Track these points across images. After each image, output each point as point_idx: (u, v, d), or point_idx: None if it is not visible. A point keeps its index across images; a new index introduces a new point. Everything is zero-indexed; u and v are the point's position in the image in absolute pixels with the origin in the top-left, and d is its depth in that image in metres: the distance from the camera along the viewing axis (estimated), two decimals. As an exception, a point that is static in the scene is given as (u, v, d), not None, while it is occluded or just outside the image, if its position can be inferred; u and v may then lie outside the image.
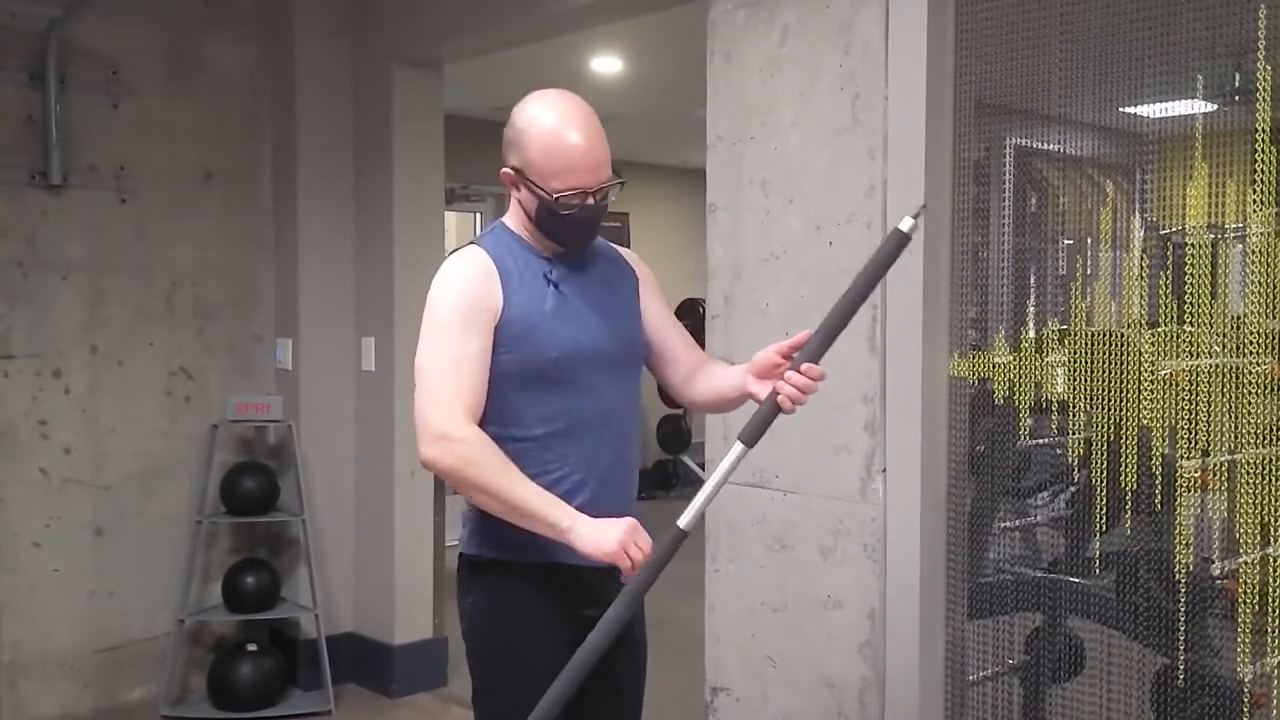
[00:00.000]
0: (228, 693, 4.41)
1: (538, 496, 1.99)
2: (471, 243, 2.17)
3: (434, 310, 2.10)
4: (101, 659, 4.41)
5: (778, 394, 1.96)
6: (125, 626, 4.46)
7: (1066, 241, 2.66)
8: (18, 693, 4.20)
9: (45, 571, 4.27)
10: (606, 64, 5.72)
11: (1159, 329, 2.35)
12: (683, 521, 1.93)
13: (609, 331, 2.18)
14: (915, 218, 1.93)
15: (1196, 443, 2.28)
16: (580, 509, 2.01)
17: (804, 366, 1.94)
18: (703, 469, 3.28)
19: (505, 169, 2.12)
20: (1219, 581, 2.30)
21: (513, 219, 2.18)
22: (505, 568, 2.11)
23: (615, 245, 2.34)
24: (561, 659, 1.97)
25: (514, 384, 2.08)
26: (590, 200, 2.08)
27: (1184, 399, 2.30)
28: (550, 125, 2.05)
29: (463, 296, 2.07)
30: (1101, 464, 2.43)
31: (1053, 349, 2.52)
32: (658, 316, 2.31)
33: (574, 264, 2.18)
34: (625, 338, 2.23)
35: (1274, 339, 2.19)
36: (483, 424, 2.05)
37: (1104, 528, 2.46)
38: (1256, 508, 2.20)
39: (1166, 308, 2.34)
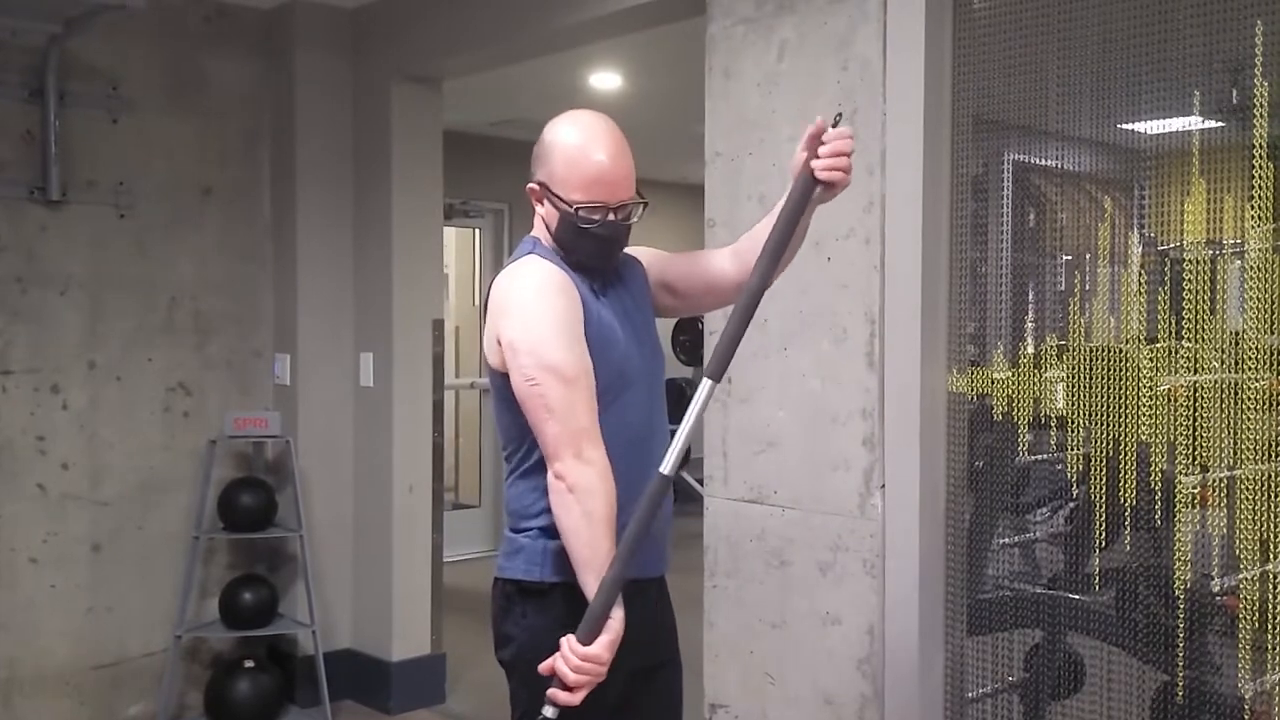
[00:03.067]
0: (225, 709, 4.39)
1: (616, 562, 1.92)
2: (531, 254, 2.12)
3: (544, 312, 2.00)
4: (99, 675, 4.39)
5: (811, 169, 1.97)
6: (123, 643, 4.44)
7: (1065, 257, 2.66)
8: (14, 710, 4.18)
9: (42, 587, 4.25)
10: (605, 80, 5.73)
11: (1158, 344, 2.35)
12: (665, 467, 1.91)
13: (647, 344, 2.19)
14: (834, 125, 1.96)
15: (1196, 458, 2.28)
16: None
17: (825, 135, 1.96)
18: (701, 484, 3.27)
19: (531, 184, 2.14)
20: (1219, 598, 2.29)
21: (541, 235, 2.17)
22: (572, 589, 2.02)
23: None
24: (619, 683, 1.99)
25: None
26: (611, 216, 2.08)
27: (1183, 414, 2.29)
28: (575, 141, 2.08)
29: (567, 302, 2.03)
30: (1101, 480, 2.42)
31: (1051, 365, 2.52)
32: (678, 263, 2.31)
33: (607, 277, 2.18)
34: (655, 346, 2.24)
35: (1273, 354, 2.19)
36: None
37: (1103, 544, 2.45)
38: (1256, 523, 2.20)
39: (1165, 323, 2.34)
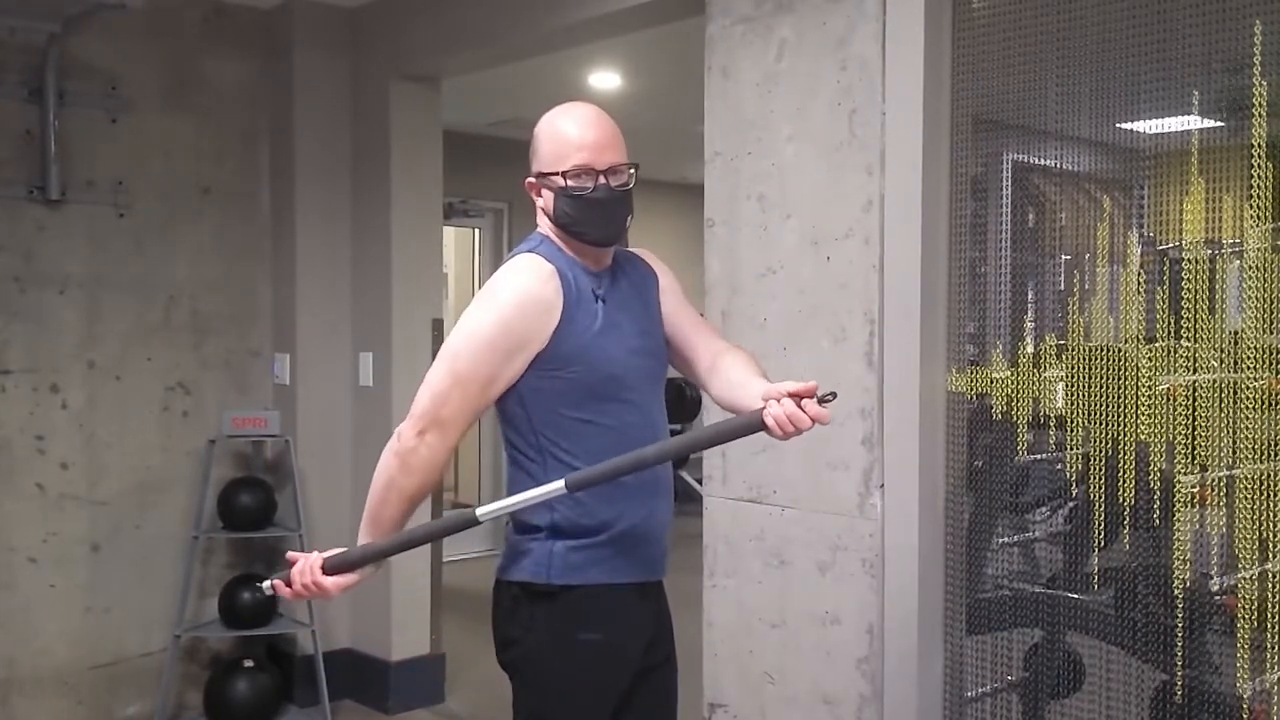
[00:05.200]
0: (224, 709, 4.39)
1: (394, 532, 2.11)
2: (533, 251, 2.12)
3: (494, 315, 2.05)
4: (97, 675, 4.39)
5: (764, 410, 1.90)
6: (121, 643, 4.44)
7: (1064, 257, 2.66)
8: (12, 709, 4.18)
9: (41, 587, 4.25)
10: (605, 79, 5.72)
11: (1156, 344, 2.35)
12: (480, 511, 2.01)
13: (648, 344, 2.20)
14: (821, 400, 1.89)
15: (1195, 458, 2.28)
16: (635, 526, 2.09)
17: (804, 401, 1.88)
18: (700, 484, 3.27)
19: (528, 179, 2.17)
20: (1218, 597, 2.29)
21: (547, 231, 2.17)
22: (579, 592, 2.08)
23: (634, 249, 2.32)
24: (626, 681, 2.09)
25: (570, 403, 2.07)
26: (601, 179, 2.09)
27: (1182, 414, 2.29)
28: (554, 121, 2.14)
29: (521, 321, 2.04)
30: (1100, 479, 2.42)
31: (1051, 364, 2.52)
32: (680, 317, 2.30)
33: (613, 276, 2.18)
34: (658, 348, 2.24)
35: (1271, 354, 2.19)
36: (542, 444, 2.09)
37: (1103, 543, 2.45)
38: (1255, 523, 2.20)
39: (1164, 323, 2.34)
